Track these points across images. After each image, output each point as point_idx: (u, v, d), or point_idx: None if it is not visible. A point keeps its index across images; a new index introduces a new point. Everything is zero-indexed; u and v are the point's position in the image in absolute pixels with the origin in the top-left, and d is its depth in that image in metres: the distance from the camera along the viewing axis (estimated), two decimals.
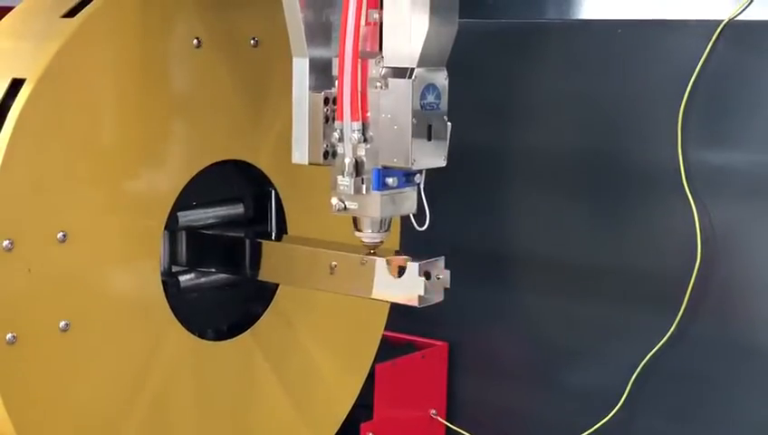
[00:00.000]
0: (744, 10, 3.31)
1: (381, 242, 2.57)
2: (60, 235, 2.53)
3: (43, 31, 2.59)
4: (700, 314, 3.43)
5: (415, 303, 2.54)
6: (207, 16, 2.79)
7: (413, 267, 2.53)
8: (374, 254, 2.61)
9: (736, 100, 3.36)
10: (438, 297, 2.57)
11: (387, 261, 2.57)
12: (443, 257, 2.56)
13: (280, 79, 2.87)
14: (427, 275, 2.53)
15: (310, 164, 2.51)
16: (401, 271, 2.55)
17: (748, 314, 3.41)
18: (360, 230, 2.56)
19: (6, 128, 2.44)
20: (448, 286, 2.57)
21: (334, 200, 2.50)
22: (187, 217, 2.86)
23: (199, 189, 2.85)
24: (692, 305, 3.42)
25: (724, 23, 3.32)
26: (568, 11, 3.85)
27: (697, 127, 3.39)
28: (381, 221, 2.53)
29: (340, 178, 2.46)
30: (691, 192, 3.40)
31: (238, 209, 3.00)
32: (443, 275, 2.55)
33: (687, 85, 3.36)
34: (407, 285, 2.55)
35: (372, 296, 2.65)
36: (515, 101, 3.77)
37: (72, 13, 2.58)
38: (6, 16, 2.71)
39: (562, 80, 3.67)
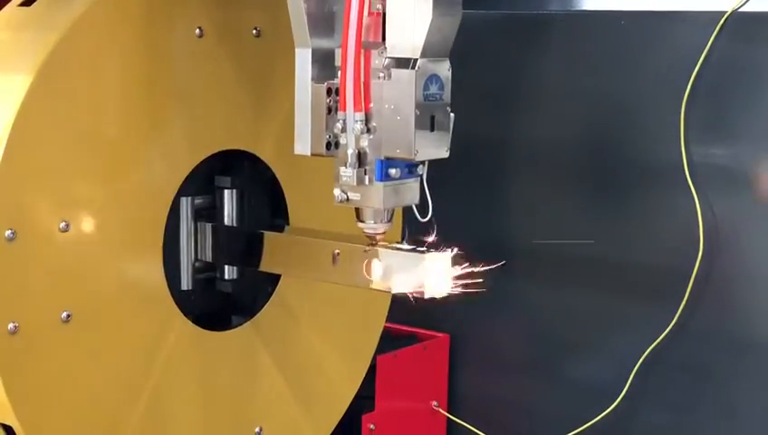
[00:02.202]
0: (747, 1, 3.30)
1: (384, 233, 2.57)
2: (62, 224, 2.53)
3: (46, 20, 2.58)
4: (702, 306, 3.43)
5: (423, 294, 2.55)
6: (210, 6, 2.79)
7: (419, 259, 2.53)
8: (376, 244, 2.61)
9: (739, 91, 3.36)
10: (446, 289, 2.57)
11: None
12: (450, 250, 2.57)
13: (283, 69, 2.87)
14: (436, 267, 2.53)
15: (312, 155, 2.51)
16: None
17: (750, 306, 3.41)
18: (362, 221, 2.55)
19: (8, 117, 2.44)
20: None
21: (337, 191, 2.49)
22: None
23: (202, 179, 2.85)
24: (694, 298, 3.42)
25: (727, 14, 3.31)
26: (571, 2, 3.84)
27: (700, 118, 3.39)
28: (384, 212, 2.53)
29: (342, 168, 2.46)
30: (693, 184, 3.39)
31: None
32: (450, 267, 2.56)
33: (690, 77, 3.36)
34: (414, 276, 2.55)
35: (378, 288, 2.65)
36: (517, 93, 3.76)
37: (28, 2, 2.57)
38: (7, 6, 2.71)
39: (565, 71, 3.66)
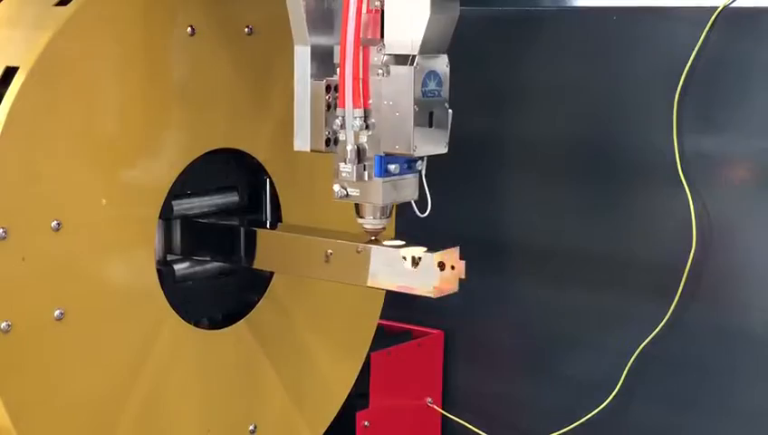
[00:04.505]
0: None
1: (383, 228, 2.59)
2: (54, 223, 2.53)
3: (37, 18, 2.58)
4: (695, 301, 3.43)
5: (431, 294, 2.54)
6: (203, 4, 2.78)
7: (428, 258, 2.53)
8: (376, 241, 2.61)
9: (731, 87, 3.36)
10: (453, 288, 2.56)
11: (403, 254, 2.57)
12: (458, 247, 2.57)
13: (275, 67, 2.87)
14: (441, 266, 2.53)
15: (312, 151, 2.52)
16: (417, 262, 2.55)
17: (743, 301, 3.41)
18: (361, 217, 2.57)
19: (1, 115, 2.44)
20: (464, 277, 2.57)
21: (336, 187, 2.51)
22: (181, 206, 2.85)
23: (194, 178, 2.85)
24: (687, 293, 3.42)
25: (718, 9, 3.32)
26: None
27: (692, 114, 3.39)
28: (383, 208, 2.54)
29: (342, 164, 2.48)
30: (686, 180, 3.40)
31: (233, 198, 2.99)
32: (458, 265, 2.55)
33: (682, 72, 3.36)
34: (422, 276, 2.55)
35: (387, 287, 2.65)
36: (510, 90, 3.76)
37: (64, 1, 2.57)
38: (1, 3, 2.70)
39: (558, 68, 3.66)
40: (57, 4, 2.57)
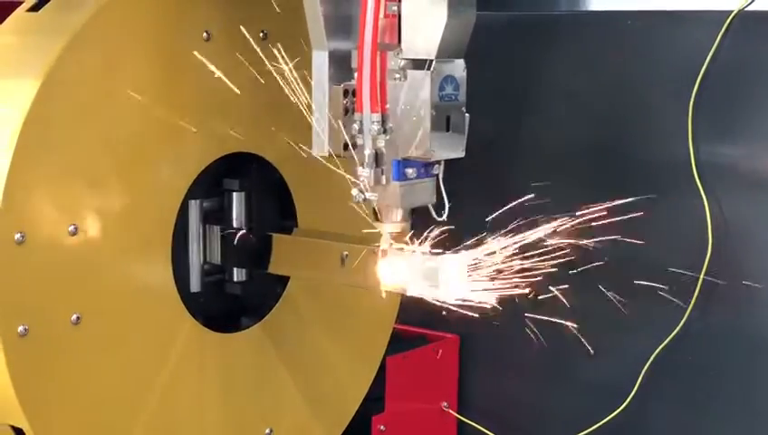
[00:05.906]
0: (753, 1, 3.30)
1: (402, 232, 2.58)
2: (71, 228, 2.55)
3: (54, 25, 2.60)
4: (711, 306, 3.43)
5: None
6: (217, 9, 2.80)
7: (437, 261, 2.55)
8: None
9: (747, 91, 3.36)
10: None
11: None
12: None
13: (290, 71, 2.87)
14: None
15: (330, 156, 2.53)
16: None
17: (759, 305, 3.41)
18: (379, 221, 2.56)
19: (17, 122, 2.45)
20: None
21: (354, 191, 2.51)
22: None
23: (210, 182, 2.86)
24: (703, 298, 3.41)
25: (733, 13, 3.32)
26: (579, 3, 3.85)
27: (708, 118, 3.39)
28: (401, 211, 2.54)
29: (359, 169, 2.48)
30: (702, 184, 3.39)
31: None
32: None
33: (698, 76, 3.36)
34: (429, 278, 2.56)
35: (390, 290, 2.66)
36: (525, 93, 3.76)
37: (36, 7, 2.59)
38: (15, 11, 2.72)
39: (573, 72, 3.66)
40: (30, 10, 2.59)
